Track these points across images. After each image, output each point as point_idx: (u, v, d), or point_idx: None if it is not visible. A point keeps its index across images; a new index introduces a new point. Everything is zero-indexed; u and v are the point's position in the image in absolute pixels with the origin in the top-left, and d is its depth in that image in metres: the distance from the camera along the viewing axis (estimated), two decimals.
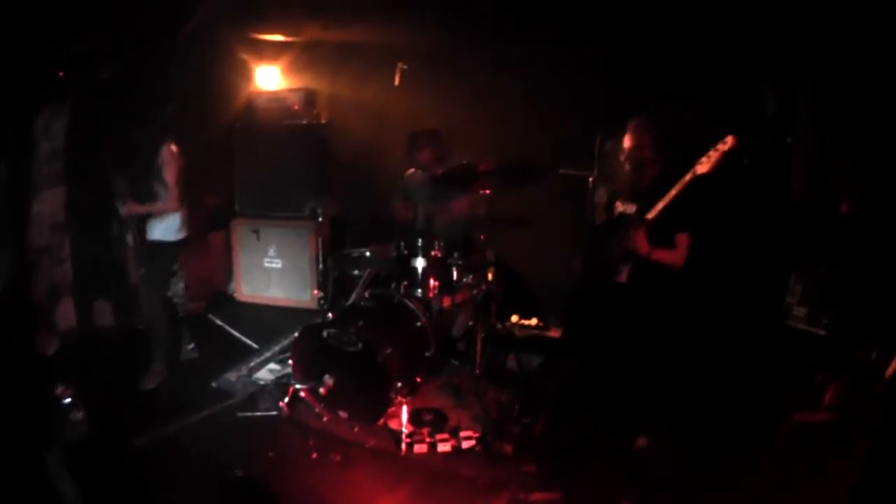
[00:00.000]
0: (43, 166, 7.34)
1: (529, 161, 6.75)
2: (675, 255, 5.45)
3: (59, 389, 5.91)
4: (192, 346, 7.69)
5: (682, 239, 5.43)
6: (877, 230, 5.96)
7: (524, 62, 8.08)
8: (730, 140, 5.05)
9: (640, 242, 5.38)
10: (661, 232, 5.38)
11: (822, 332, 6.15)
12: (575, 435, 5.58)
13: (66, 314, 7.74)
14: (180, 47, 7.48)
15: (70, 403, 5.84)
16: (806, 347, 6.08)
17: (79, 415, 5.80)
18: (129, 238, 7.26)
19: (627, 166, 5.72)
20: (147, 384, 6.93)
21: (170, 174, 6.78)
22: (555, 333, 7.81)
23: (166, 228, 6.93)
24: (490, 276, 6.95)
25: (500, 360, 7.20)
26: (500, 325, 7.77)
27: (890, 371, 5.28)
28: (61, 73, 6.95)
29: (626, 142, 5.71)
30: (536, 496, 4.91)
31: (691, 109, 6.97)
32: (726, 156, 5.06)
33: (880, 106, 5.98)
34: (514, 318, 8.28)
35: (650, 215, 5.35)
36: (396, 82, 8.75)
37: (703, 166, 5.10)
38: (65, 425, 5.75)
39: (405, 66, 8.70)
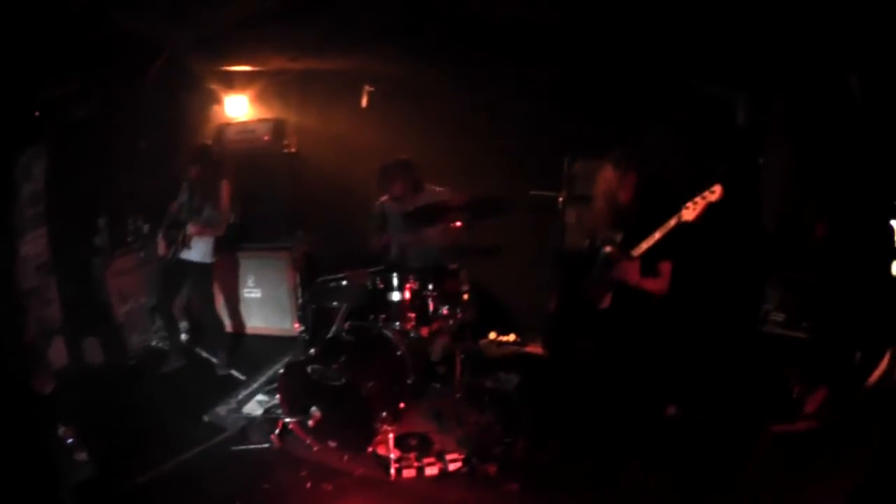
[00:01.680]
0: (27, 208, 7.60)
1: (497, 196, 7.00)
2: (659, 283, 5.87)
3: (62, 430, 6.17)
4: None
5: (666, 267, 5.85)
6: (848, 243, 6.33)
7: (489, 83, 8.42)
8: (717, 190, 5.32)
9: (633, 274, 5.81)
10: (645, 262, 5.80)
11: (801, 335, 6.49)
12: (555, 454, 5.99)
13: (58, 353, 8.04)
14: (150, 84, 7.75)
15: (73, 444, 6.11)
16: (784, 356, 6.40)
17: (83, 455, 6.07)
18: (163, 250, 7.98)
19: (610, 198, 6.09)
20: (222, 369, 8.29)
21: (225, 197, 7.76)
22: (533, 349, 8.24)
23: (203, 252, 7.91)
24: (465, 297, 7.26)
25: (479, 380, 7.54)
26: (477, 345, 8.19)
27: (873, 378, 5.50)
28: (37, 113, 7.19)
29: (608, 174, 6.07)
30: None
31: (663, 127, 7.38)
32: (711, 206, 5.36)
33: (856, 124, 6.31)
34: (492, 336, 8.72)
35: (635, 252, 5.74)
36: (364, 104, 9.16)
37: (688, 213, 5.40)
38: (71, 466, 5.99)
39: (371, 88, 9.12)
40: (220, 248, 8.30)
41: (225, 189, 7.82)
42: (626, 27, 6.43)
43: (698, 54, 6.79)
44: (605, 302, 6.05)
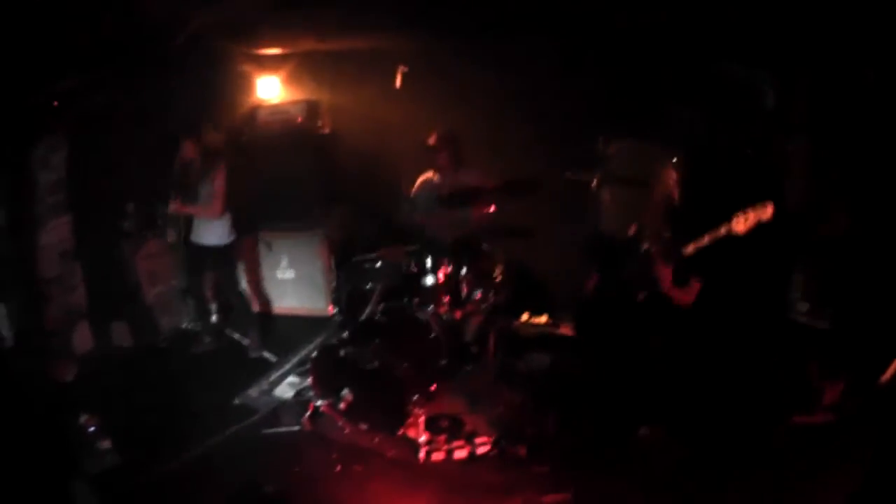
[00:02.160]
0: (46, 197, 7.69)
1: (530, 177, 7.13)
2: (685, 297, 5.93)
3: (84, 418, 6.27)
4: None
5: (695, 285, 5.89)
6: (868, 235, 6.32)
7: (524, 63, 8.40)
8: (769, 210, 5.33)
9: (665, 278, 5.91)
10: (683, 270, 5.85)
11: (825, 325, 6.47)
12: (585, 436, 6.03)
13: (83, 338, 8.15)
14: (178, 66, 7.80)
15: (95, 432, 6.22)
16: (807, 346, 6.39)
17: (105, 443, 6.18)
18: (170, 236, 8.11)
19: (667, 200, 6.18)
20: (253, 351, 8.39)
21: (218, 181, 7.69)
22: (565, 330, 8.22)
23: (218, 234, 7.97)
24: (499, 278, 7.39)
25: (512, 362, 7.55)
26: (510, 325, 8.21)
27: (886, 376, 5.49)
28: (56, 103, 7.25)
29: (671, 177, 6.16)
30: (548, 498, 5.31)
31: (694, 108, 7.37)
32: (761, 223, 5.37)
33: (879, 115, 6.30)
34: (525, 317, 8.72)
35: (686, 251, 5.79)
36: (398, 85, 9.14)
37: (739, 225, 5.42)
38: (93, 455, 6.10)
39: (406, 69, 9.08)
40: (239, 230, 8.43)
41: (220, 173, 7.88)
42: (657, 10, 6.53)
43: (729, 37, 6.82)
44: (640, 296, 6.13)
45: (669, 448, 5.76)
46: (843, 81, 6.52)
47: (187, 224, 7.97)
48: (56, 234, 7.81)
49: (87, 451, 6.10)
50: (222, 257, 8.23)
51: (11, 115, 6.77)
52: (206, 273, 8.45)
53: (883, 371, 5.48)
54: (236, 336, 9.10)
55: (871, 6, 5.50)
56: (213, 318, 8.93)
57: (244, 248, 9.03)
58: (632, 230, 6.51)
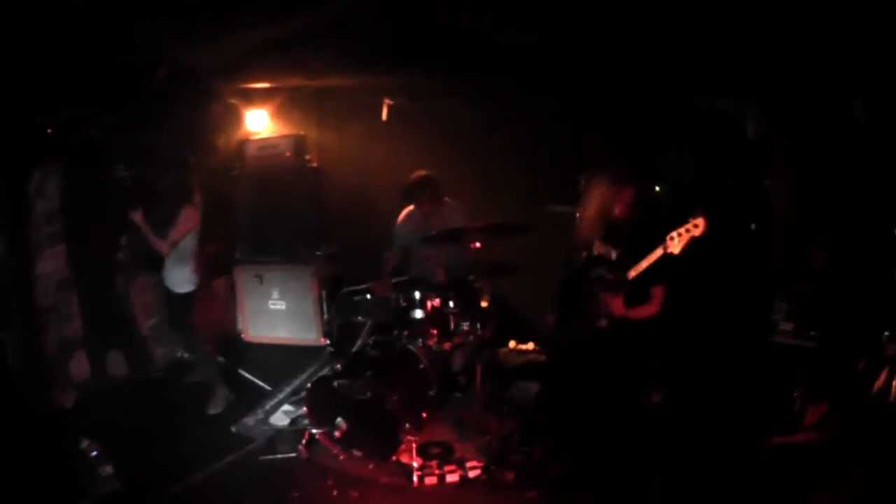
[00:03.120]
0: (41, 226, 7.83)
1: (514, 221, 7.42)
2: (649, 309, 6.26)
3: (85, 443, 6.47)
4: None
5: (657, 291, 6.22)
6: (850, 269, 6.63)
7: (505, 100, 8.73)
8: (701, 224, 5.64)
9: (617, 308, 6.22)
10: (637, 288, 6.17)
11: (810, 345, 6.73)
12: (571, 462, 6.35)
13: (80, 367, 8.33)
14: (167, 99, 7.85)
15: (97, 457, 6.42)
16: (790, 367, 6.65)
17: (107, 468, 6.38)
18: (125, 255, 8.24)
19: (604, 212, 6.45)
20: (214, 409, 8.03)
21: (178, 225, 7.70)
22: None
23: (180, 280, 7.89)
24: (486, 309, 7.68)
25: (499, 390, 7.89)
26: (497, 354, 8.57)
27: (875, 390, 5.80)
28: (49, 131, 7.36)
29: (608, 190, 6.43)
30: None
31: (675, 143, 7.70)
32: (695, 240, 5.67)
33: (858, 150, 6.60)
34: (512, 344, 9.08)
35: (630, 276, 6.10)
36: (384, 117, 9.52)
37: (673, 245, 5.72)
38: (95, 480, 6.31)
39: (391, 102, 9.46)
40: (207, 274, 8.51)
41: (185, 218, 7.81)
42: (638, 48, 6.61)
43: (709, 72, 6.99)
44: (603, 322, 6.42)
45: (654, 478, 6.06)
46: (828, 116, 6.81)
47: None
48: (52, 263, 7.96)
49: (89, 477, 6.32)
50: (178, 304, 8.15)
51: (7, 144, 6.92)
52: (179, 316, 8.38)
53: (865, 391, 5.84)
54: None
55: (857, 40, 5.61)
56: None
57: (210, 296, 9.30)
58: (582, 255, 6.83)
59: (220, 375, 8.38)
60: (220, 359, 9.14)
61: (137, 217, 7.57)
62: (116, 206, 8.00)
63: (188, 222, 7.76)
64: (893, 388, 5.66)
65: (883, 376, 5.75)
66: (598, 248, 6.60)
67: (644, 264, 5.98)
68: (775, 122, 7.28)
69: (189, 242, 7.90)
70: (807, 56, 6.03)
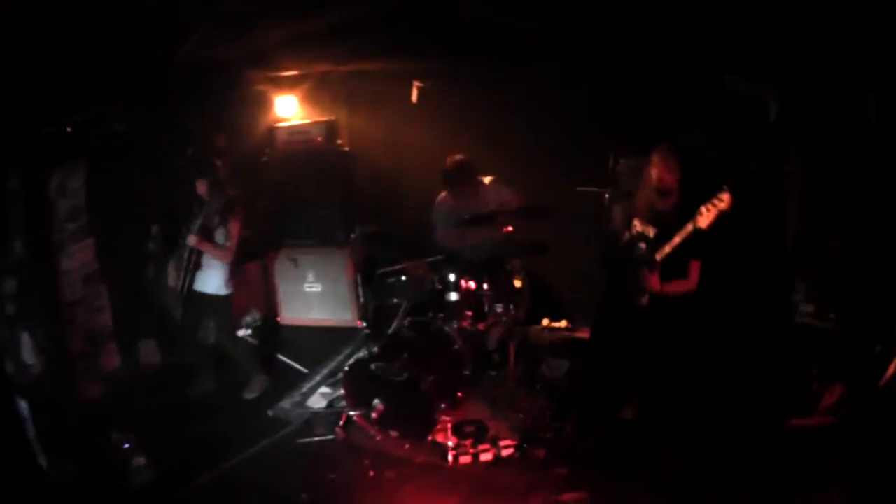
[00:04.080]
0: (66, 223, 7.89)
1: (544, 205, 7.62)
2: (686, 284, 6.38)
3: (116, 435, 6.72)
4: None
5: (694, 266, 6.33)
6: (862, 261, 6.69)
7: (537, 81, 8.75)
8: (726, 199, 5.84)
9: (654, 283, 6.37)
10: (674, 264, 6.31)
11: (830, 327, 6.78)
12: (602, 439, 6.56)
13: (111, 358, 8.47)
14: (196, 89, 7.97)
15: (129, 449, 6.64)
16: (809, 349, 6.72)
17: (140, 460, 6.60)
18: (173, 279, 8.07)
19: (650, 192, 6.54)
20: (251, 393, 8.27)
21: (234, 227, 7.86)
22: (583, 334, 8.69)
23: (217, 285, 8.06)
24: (519, 287, 7.91)
25: (532, 368, 8.07)
26: (530, 332, 8.74)
27: (889, 374, 5.76)
28: (69, 129, 7.32)
29: (652, 170, 6.49)
30: (566, 497, 5.87)
31: (700, 123, 7.73)
32: (722, 214, 5.87)
33: (871, 144, 6.61)
34: (545, 322, 9.23)
35: (659, 256, 6.31)
36: (414, 100, 9.56)
37: (702, 220, 5.93)
38: (128, 472, 6.53)
39: (420, 84, 9.50)
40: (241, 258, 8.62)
41: (236, 219, 7.95)
42: (663, 29, 6.68)
43: (733, 52, 7.01)
44: (643, 301, 6.55)
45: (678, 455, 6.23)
46: (843, 106, 6.83)
47: (193, 271, 8.00)
48: (79, 258, 8.06)
49: (123, 469, 6.54)
50: (221, 307, 8.30)
51: (28, 145, 7.00)
52: (203, 320, 8.50)
53: (881, 374, 5.82)
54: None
55: (877, 33, 5.60)
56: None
57: (248, 275, 9.62)
58: (625, 236, 6.94)
59: (256, 361, 8.61)
60: (255, 342, 9.43)
61: (194, 241, 7.72)
62: (144, 196, 8.31)
63: (240, 217, 7.97)
64: None
65: (893, 366, 5.77)
66: (638, 227, 6.73)
67: (677, 240, 6.16)
68: (794, 106, 7.28)
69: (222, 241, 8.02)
70: (825, 41, 6.04)
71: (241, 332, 9.37)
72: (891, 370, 5.70)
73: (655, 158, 6.48)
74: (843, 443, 5.58)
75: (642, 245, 6.59)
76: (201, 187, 7.76)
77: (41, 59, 5.52)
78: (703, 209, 5.94)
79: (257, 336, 9.73)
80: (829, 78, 6.72)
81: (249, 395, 8.33)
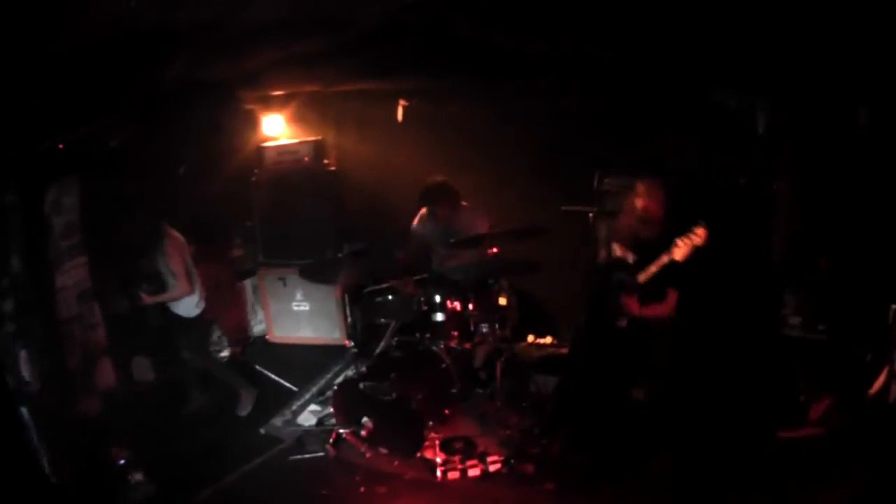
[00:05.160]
0: (60, 240, 7.88)
1: (528, 227, 7.66)
2: (663, 309, 6.64)
3: (113, 451, 6.79)
4: None
5: (671, 294, 6.60)
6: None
7: (520, 102, 8.92)
8: (701, 234, 6.07)
9: (633, 308, 6.61)
10: (652, 290, 6.57)
11: (818, 338, 6.95)
12: (589, 454, 6.66)
13: (106, 375, 8.41)
14: (186, 108, 7.94)
15: (126, 464, 6.73)
16: (797, 361, 6.90)
17: (138, 475, 6.70)
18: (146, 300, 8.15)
19: (634, 219, 6.80)
20: (243, 410, 8.33)
21: (175, 263, 7.88)
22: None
23: (186, 307, 8.13)
24: (504, 305, 8.06)
25: (520, 384, 8.16)
26: (516, 348, 8.83)
27: (877, 385, 5.99)
28: (61, 146, 7.27)
29: (637, 200, 6.75)
30: None
31: (688, 139, 7.90)
32: (696, 248, 6.09)
33: (862, 158, 6.76)
34: (531, 338, 9.37)
35: (641, 280, 6.54)
36: (399, 118, 9.72)
37: (677, 253, 6.17)
38: (126, 488, 6.62)
39: (406, 103, 9.62)
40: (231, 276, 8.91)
41: (172, 252, 7.97)
42: (650, 49, 6.65)
43: (720, 66, 7.02)
44: (623, 322, 6.82)
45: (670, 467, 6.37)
46: (834, 122, 6.98)
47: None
48: (73, 275, 8.06)
49: (121, 485, 6.64)
50: (192, 328, 8.38)
51: (25, 161, 7.00)
52: (177, 339, 8.55)
53: (870, 385, 6.03)
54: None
55: (869, 47, 5.64)
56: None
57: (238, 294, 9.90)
58: (602, 258, 7.21)
59: (240, 377, 8.66)
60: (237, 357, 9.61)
61: (147, 300, 7.99)
62: (135, 214, 8.20)
63: (176, 252, 7.97)
64: (893, 390, 5.87)
65: (882, 377, 5.95)
66: (617, 252, 6.95)
67: (653, 269, 6.44)
68: (783, 122, 7.40)
69: (192, 268, 8.16)
70: (815, 56, 6.08)
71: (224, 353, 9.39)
72: (880, 382, 5.89)
73: (641, 189, 6.73)
74: (832, 455, 5.74)
75: (620, 273, 6.82)
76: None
77: (36, 75, 5.51)
78: (679, 241, 6.17)
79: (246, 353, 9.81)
80: (819, 92, 6.84)
81: (242, 411, 8.41)
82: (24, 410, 6.36)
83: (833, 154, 6.98)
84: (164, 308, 8.18)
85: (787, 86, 7.02)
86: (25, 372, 6.95)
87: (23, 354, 6.99)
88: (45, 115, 6.39)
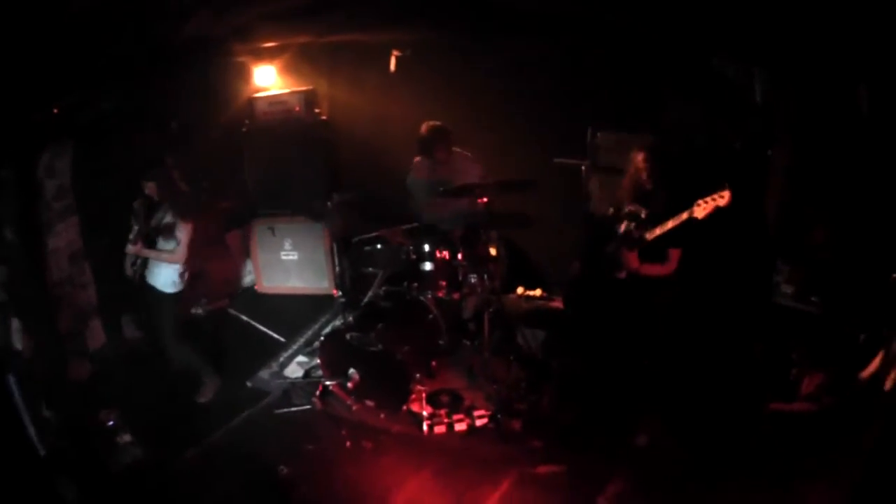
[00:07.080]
0: (52, 203, 7.76)
1: (521, 179, 7.46)
2: (664, 269, 6.49)
3: (101, 413, 6.64)
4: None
5: (674, 254, 6.45)
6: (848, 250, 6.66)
7: (515, 53, 8.67)
8: (726, 196, 5.89)
9: (632, 261, 6.46)
10: (655, 247, 6.41)
11: (811, 310, 6.80)
12: (577, 413, 6.51)
13: (96, 335, 8.32)
14: (178, 64, 7.79)
15: (114, 426, 6.59)
16: (790, 333, 6.74)
17: (126, 437, 6.55)
18: (128, 270, 7.74)
19: (636, 180, 6.66)
20: (203, 398, 7.77)
21: (185, 231, 7.42)
22: (558, 303, 8.66)
23: (165, 281, 7.58)
24: (495, 256, 7.84)
25: (508, 337, 7.98)
26: (505, 300, 8.53)
27: (873, 367, 5.78)
28: (56, 111, 7.13)
29: (638, 158, 6.62)
30: (542, 469, 5.82)
31: (683, 101, 7.73)
32: (719, 209, 5.91)
33: (861, 134, 6.58)
34: (520, 290, 9.18)
35: (650, 236, 6.38)
36: (392, 69, 9.46)
37: (699, 210, 5.98)
38: (114, 449, 6.48)
39: (399, 53, 9.38)
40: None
41: (188, 224, 7.49)
42: (650, 11, 6.66)
43: (719, 32, 6.94)
44: (622, 273, 6.66)
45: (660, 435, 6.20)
46: (834, 94, 6.78)
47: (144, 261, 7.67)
48: (65, 237, 7.94)
49: (109, 446, 6.49)
50: (163, 304, 7.76)
51: (15, 128, 6.81)
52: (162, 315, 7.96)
53: (864, 365, 5.85)
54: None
55: (872, 24, 5.53)
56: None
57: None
58: (609, 211, 6.99)
59: (204, 361, 8.02)
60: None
61: (133, 249, 7.52)
62: (127, 172, 7.92)
63: (189, 235, 7.52)
64: (890, 378, 5.65)
65: (877, 361, 5.77)
66: (629, 207, 6.78)
67: (670, 224, 6.23)
68: (781, 90, 7.26)
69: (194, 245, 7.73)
70: (817, 26, 5.95)
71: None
72: (874, 365, 5.72)
73: (638, 159, 6.62)
74: (823, 432, 5.60)
75: (627, 223, 6.68)
76: (150, 189, 7.47)
77: (29, 43, 5.44)
78: (700, 201, 6.00)
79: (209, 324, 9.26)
80: (818, 65, 6.68)
81: (202, 398, 7.82)
82: (11, 379, 6.09)
83: (832, 126, 6.80)
84: (142, 275, 7.75)
85: (786, 57, 6.90)
86: (17, 341, 6.81)
87: (15, 323, 6.85)
88: (43, 83, 6.32)
